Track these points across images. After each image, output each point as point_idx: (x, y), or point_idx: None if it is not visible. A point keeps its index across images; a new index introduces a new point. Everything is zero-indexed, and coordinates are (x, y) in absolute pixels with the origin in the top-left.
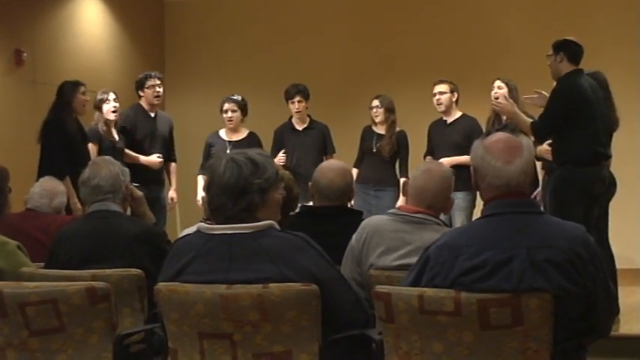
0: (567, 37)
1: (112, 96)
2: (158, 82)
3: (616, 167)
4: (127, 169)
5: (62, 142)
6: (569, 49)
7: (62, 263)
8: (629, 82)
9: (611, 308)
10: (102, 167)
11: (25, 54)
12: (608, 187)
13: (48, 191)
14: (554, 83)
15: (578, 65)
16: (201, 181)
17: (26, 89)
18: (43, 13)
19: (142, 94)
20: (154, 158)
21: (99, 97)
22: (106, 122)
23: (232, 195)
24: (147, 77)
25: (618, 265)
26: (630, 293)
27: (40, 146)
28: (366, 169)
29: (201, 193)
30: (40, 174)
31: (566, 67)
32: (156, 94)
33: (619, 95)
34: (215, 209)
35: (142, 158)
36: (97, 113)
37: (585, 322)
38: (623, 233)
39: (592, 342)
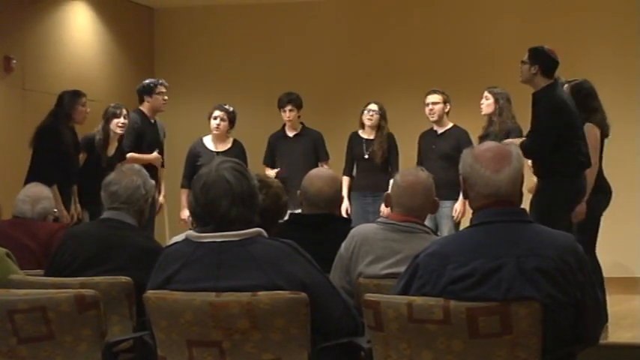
0: (545, 48)
1: (124, 111)
2: (165, 90)
3: (609, 174)
4: (152, 183)
5: (55, 150)
6: (544, 64)
7: (65, 262)
8: (626, 90)
9: (600, 317)
10: (125, 176)
11: (14, 61)
12: (603, 195)
13: (30, 197)
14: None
15: (551, 78)
16: (184, 195)
17: (15, 96)
18: (32, 19)
19: (148, 99)
20: (155, 154)
21: (111, 109)
22: (108, 137)
23: (244, 203)
24: (157, 84)
25: (609, 274)
26: (619, 301)
27: (32, 152)
28: (360, 177)
29: (186, 211)
30: (28, 179)
31: (540, 80)
32: (164, 101)
33: (616, 102)
34: (230, 219)
35: (146, 157)
36: (102, 123)
37: (574, 330)
38: (613, 241)
39: (581, 350)
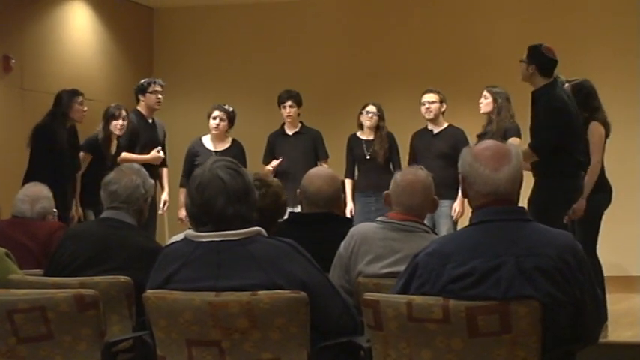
0: (543, 46)
1: (123, 113)
2: (160, 89)
3: (608, 174)
4: (151, 182)
5: (48, 149)
6: (540, 63)
7: (65, 262)
8: (626, 89)
9: (599, 315)
10: (124, 175)
11: (13, 60)
12: (605, 194)
13: (29, 196)
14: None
15: (550, 77)
16: (182, 194)
17: (14, 95)
18: (31, 19)
19: (142, 98)
20: (155, 153)
21: (111, 110)
22: (109, 136)
23: (240, 200)
24: (150, 83)
25: (608, 273)
26: (619, 300)
27: (29, 151)
28: (363, 178)
29: (184, 210)
30: (25, 179)
31: (538, 79)
32: (157, 99)
33: (616, 101)
34: (227, 217)
35: (142, 157)
36: (102, 123)
37: (573, 329)
38: (613, 240)
39: (580, 349)
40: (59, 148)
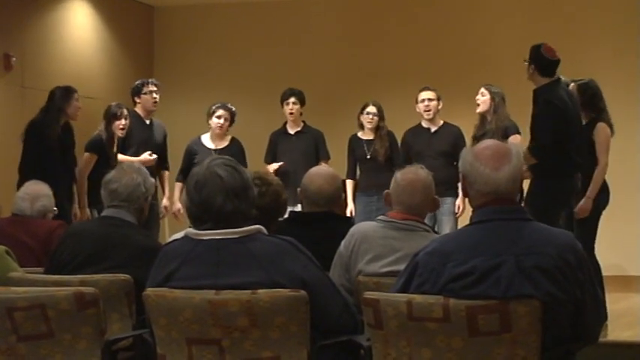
0: (543, 47)
1: (125, 112)
2: (155, 88)
3: (608, 173)
4: (152, 181)
5: (38, 145)
6: (539, 63)
7: (65, 260)
8: (626, 89)
9: (599, 315)
10: (125, 174)
11: (13, 58)
12: (605, 194)
13: (30, 194)
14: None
15: (552, 77)
16: (178, 188)
17: (15, 94)
18: (32, 17)
19: (138, 100)
20: (146, 156)
21: (113, 109)
22: (113, 136)
23: (238, 196)
24: (144, 83)
25: (608, 272)
26: (618, 300)
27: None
28: (364, 177)
29: (177, 204)
30: (18, 175)
31: (539, 79)
32: (153, 100)
33: (617, 101)
34: (226, 214)
35: (134, 159)
36: (104, 122)
37: (574, 328)
38: (612, 240)
39: (580, 348)
40: (50, 144)
